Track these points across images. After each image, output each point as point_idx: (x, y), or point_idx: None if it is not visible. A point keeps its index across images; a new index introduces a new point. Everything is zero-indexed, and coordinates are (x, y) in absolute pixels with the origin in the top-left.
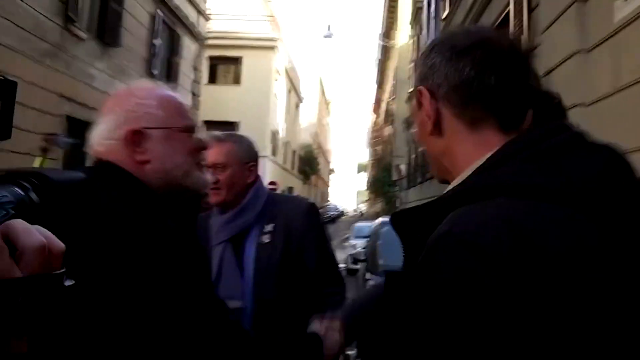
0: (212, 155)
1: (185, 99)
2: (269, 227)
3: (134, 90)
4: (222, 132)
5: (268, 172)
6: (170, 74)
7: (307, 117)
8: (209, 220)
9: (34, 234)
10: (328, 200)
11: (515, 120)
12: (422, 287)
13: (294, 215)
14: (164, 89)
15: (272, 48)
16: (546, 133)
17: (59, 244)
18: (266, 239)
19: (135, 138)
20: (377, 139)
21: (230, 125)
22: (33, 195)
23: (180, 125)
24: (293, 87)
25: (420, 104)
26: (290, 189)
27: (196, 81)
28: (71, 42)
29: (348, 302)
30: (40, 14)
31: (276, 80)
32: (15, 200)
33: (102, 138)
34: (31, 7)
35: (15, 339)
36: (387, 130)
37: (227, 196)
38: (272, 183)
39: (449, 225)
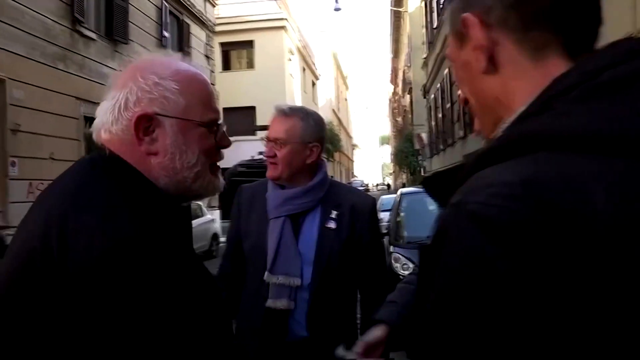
0: (274, 129)
1: None
2: (334, 213)
3: (155, 65)
4: (289, 106)
5: None
6: None
7: (325, 94)
8: (265, 190)
9: None
10: (355, 176)
11: (586, 39)
12: (435, 268)
13: (360, 208)
14: (191, 68)
15: (282, 28)
16: (613, 58)
17: None
18: (331, 224)
19: (145, 124)
20: (397, 110)
21: (247, 110)
22: None
23: (201, 119)
24: (307, 66)
25: (461, 39)
26: None
27: (210, 70)
28: (81, 43)
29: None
30: (48, 18)
31: (290, 60)
32: None
33: (106, 121)
34: (38, 12)
35: None
36: (406, 100)
37: (283, 173)
38: None
39: (462, 193)
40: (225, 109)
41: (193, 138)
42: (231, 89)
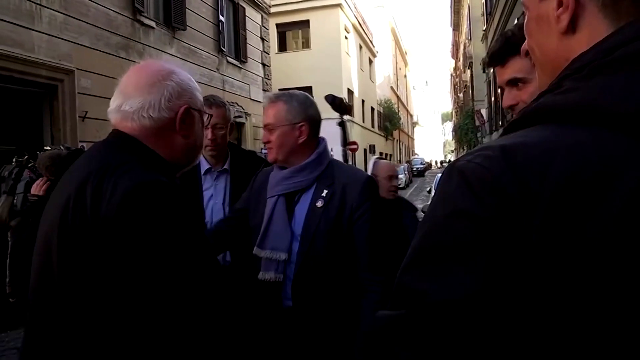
0: (265, 116)
1: (257, 71)
2: (324, 193)
3: (181, 71)
4: (276, 93)
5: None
6: (238, 49)
7: (383, 71)
8: (269, 174)
9: None
10: (416, 154)
11: None
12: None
13: (351, 186)
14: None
15: (337, 5)
16: (630, 34)
17: None
18: (320, 203)
19: (185, 114)
20: (458, 85)
21: (303, 91)
22: None
23: (204, 111)
24: (364, 43)
25: None
26: (372, 147)
27: (265, 52)
28: (141, 32)
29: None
30: (111, 10)
31: (346, 38)
32: None
33: (153, 111)
34: (101, 5)
35: None
36: (467, 75)
37: (278, 155)
38: (351, 143)
39: (466, 154)
40: (281, 90)
41: (203, 124)
42: (287, 70)
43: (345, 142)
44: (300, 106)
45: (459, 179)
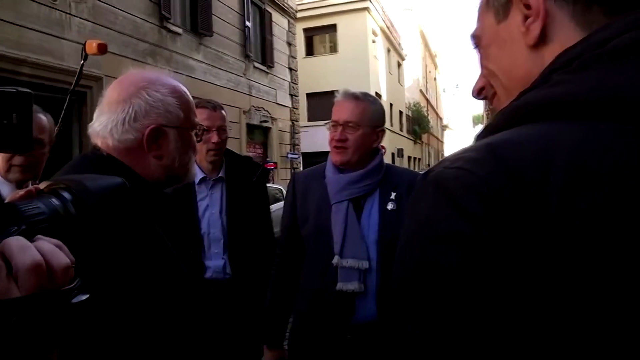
0: (345, 112)
1: (284, 76)
2: (393, 195)
3: (156, 83)
4: (357, 92)
5: None
6: (265, 54)
7: (412, 74)
8: (323, 177)
9: (27, 251)
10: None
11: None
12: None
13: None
14: (180, 84)
15: (365, 9)
16: (624, 27)
17: (62, 260)
18: (391, 206)
19: (154, 134)
20: None
21: (331, 95)
22: (70, 207)
23: (191, 125)
24: (393, 46)
25: (503, 12)
26: (400, 150)
27: (292, 56)
28: (168, 39)
29: None
30: (138, 17)
31: (373, 41)
32: (49, 212)
33: (116, 131)
34: (129, 13)
35: (41, 357)
36: None
37: (353, 157)
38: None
39: (441, 162)
40: (308, 94)
41: (186, 140)
42: (315, 74)
43: None
44: (382, 111)
45: (436, 190)
